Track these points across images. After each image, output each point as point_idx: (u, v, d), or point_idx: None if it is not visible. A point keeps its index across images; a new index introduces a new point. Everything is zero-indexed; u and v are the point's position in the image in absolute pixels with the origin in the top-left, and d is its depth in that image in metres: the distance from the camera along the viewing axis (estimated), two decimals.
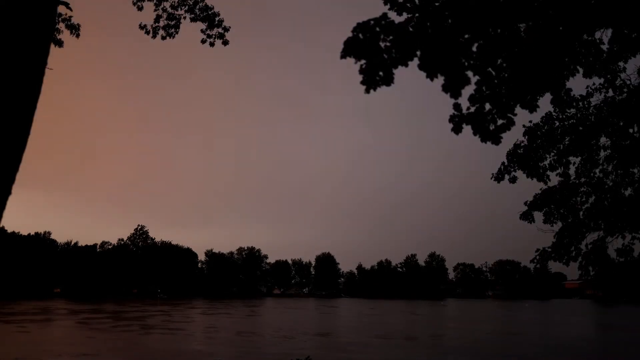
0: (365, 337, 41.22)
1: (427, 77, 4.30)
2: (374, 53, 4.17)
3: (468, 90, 4.63)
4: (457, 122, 4.77)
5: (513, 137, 11.15)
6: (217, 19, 10.00)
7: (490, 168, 11.56)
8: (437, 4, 4.35)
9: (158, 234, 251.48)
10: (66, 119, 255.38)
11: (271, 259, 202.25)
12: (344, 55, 4.16)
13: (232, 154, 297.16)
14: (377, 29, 4.19)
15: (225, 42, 10.09)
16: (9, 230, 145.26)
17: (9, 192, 3.99)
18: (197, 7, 9.89)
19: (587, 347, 38.82)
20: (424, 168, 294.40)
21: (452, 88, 4.30)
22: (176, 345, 33.97)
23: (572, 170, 11.36)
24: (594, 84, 10.76)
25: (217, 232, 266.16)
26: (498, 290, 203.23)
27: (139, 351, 31.30)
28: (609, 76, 9.30)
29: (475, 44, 4.40)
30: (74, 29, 9.86)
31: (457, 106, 4.68)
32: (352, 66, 4.38)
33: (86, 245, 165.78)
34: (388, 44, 4.22)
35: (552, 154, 11.01)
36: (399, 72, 4.31)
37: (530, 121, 11.07)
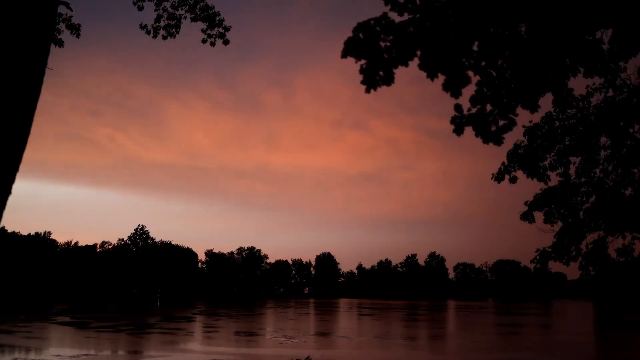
0: (365, 337, 41.21)
1: (427, 77, 4.30)
2: (374, 53, 4.16)
3: (469, 92, 4.62)
4: (458, 123, 4.76)
5: (513, 137, 11.17)
6: (217, 18, 9.99)
7: (491, 168, 11.55)
8: (437, 4, 4.34)
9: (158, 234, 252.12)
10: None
11: (271, 259, 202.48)
12: (345, 55, 4.16)
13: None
14: (378, 28, 4.18)
15: (226, 42, 10.09)
16: (9, 230, 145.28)
17: (9, 192, 3.99)
18: (198, 6, 9.88)
19: (588, 348, 38.81)
20: (425, 169, 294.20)
21: (453, 87, 4.29)
22: (175, 346, 33.96)
23: (572, 170, 11.36)
24: (594, 84, 10.76)
25: (217, 232, 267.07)
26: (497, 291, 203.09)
27: (139, 351, 31.31)
28: (609, 76, 9.28)
29: (476, 44, 4.39)
30: (74, 29, 9.86)
31: (458, 107, 4.67)
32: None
33: (86, 245, 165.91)
34: (388, 43, 4.22)
35: (553, 154, 11.00)
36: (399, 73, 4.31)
37: (531, 121, 11.06)
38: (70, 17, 9.75)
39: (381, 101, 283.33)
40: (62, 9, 9.21)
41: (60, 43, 9.66)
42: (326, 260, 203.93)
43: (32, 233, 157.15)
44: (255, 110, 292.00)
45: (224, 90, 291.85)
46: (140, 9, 10.00)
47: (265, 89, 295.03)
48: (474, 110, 4.74)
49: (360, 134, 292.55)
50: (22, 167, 4.06)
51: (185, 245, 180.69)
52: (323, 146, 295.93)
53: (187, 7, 9.91)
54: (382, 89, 4.18)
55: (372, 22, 4.16)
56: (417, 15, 4.31)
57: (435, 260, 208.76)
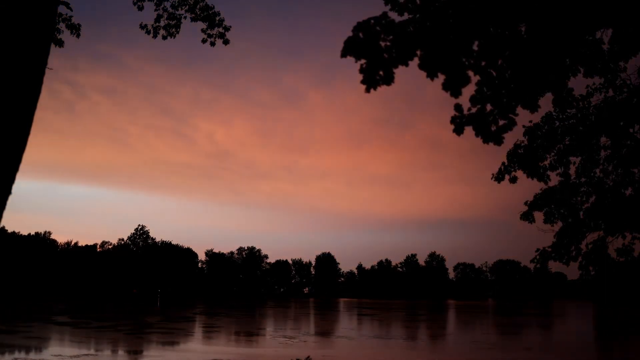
0: (365, 337, 41.22)
1: (427, 76, 4.30)
2: (374, 52, 4.16)
3: (469, 91, 4.62)
4: (458, 123, 4.76)
5: (513, 137, 11.17)
6: (217, 18, 10.01)
7: (491, 168, 11.56)
8: (437, 4, 4.34)
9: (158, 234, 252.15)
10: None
11: (271, 259, 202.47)
12: (344, 54, 4.16)
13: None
14: (378, 28, 4.18)
15: (226, 42, 10.10)
16: (9, 230, 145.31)
17: (9, 192, 3.99)
18: (198, 6, 9.90)
19: (588, 348, 38.82)
20: (424, 168, 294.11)
21: (453, 87, 4.29)
22: (176, 346, 33.98)
23: (572, 170, 11.36)
24: (594, 84, 10.77)
25: (217, 232, 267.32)
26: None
27: (139, 351, 31.31)
28: (609, 76, 9.28)
29: (476, 44, 4.40)
30: (74, 29, 9.87)
31: (458, 107, 4.67)
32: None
33: (86, 245, 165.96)
34: (388, 43, 4.22)
35: (553, 154, 11.01)
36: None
37: (531, 121, 11.07)
38: (70, 17, 9.77)
39: (427, 100, 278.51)
40: (62, 9, 9.22)
41: (60, 43, 9.67)
42: (326, 260, 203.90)
43: (32, 233, 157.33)
44: (298, 110, 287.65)
45: (267, 90, 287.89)
46: (140, 9, 10.02)
47: (309, 87, 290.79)
48: (474, 110, 4.74)
49: (397, 135, 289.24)
50: (22, 166, 4.07)
51: (185, 245, 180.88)
52: (350, 148, 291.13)
53: (187, 7, 9.92)
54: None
55: (372, 21, 4.16)
56: (417, 15, 4.31)
57: (435, 260, 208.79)
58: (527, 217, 11.76)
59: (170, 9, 9.98)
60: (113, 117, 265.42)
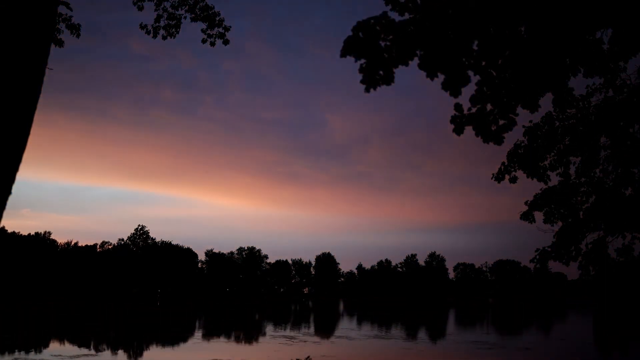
0: (365, 337, 41.22)
1: (427, 76, 4.30)
2: (374, 52, 4.16)
3: (468, 91, 4.62)
4: (458, 123, 4.77)
5: (513, 136, 11.19)
6: (217, 18, 10.01)
7: (490, 168, 11.57)
8: (437, 4, 4.35)
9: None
10: None
11: (271, 259, 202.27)
12: (344, 54, 4.16)
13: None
14: (378, 27, 4.18)
15: (226, 42, 10.10)
16: (9, 230, 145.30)
17: (9, 192, 3.99)
18: (198, 6, 9.90)
19: (588, 348, 38.84)
20: (424, 167, 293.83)
21: (452, 86, 4.30)
22: (175, 345, 33.99)
23: (572, 170, 11.37)
24: (594, 83, 10.78)
25: (218, 232, 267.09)
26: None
27: (139, 351, 31.33)
28: (609, 76, 9.29)
29: (476, 43, 4.40)
30: (74, 29, 9.88)
31: (458, 107, 4.68)
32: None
33: (86, 245, 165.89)
34: (388, 43, 4.22)
35: (553, 154, 11.02)
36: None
37: (531, 121, 11.08)
38: (70, 17, 9.78)
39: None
40: (62, 9, 9.22)
41: (60, 43, 9.68)
42: (326, 260, 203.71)
43: (32, 233, 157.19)
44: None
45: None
46: (140, 9, 10.02)
47: None
48: (474, 109, 4.75)
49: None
50: (22, 165, 4.07)
51: (185, 245, 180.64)
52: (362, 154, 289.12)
53: (187, 7, 9.93)
54: None
55: (372, 21, 4.16)
56: (417, 15, 4.31)
57: (435, 260, 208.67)
58: (527, 217, 11.77)
59: (170, 9, 9.98)
60: (108, 112, 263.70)
